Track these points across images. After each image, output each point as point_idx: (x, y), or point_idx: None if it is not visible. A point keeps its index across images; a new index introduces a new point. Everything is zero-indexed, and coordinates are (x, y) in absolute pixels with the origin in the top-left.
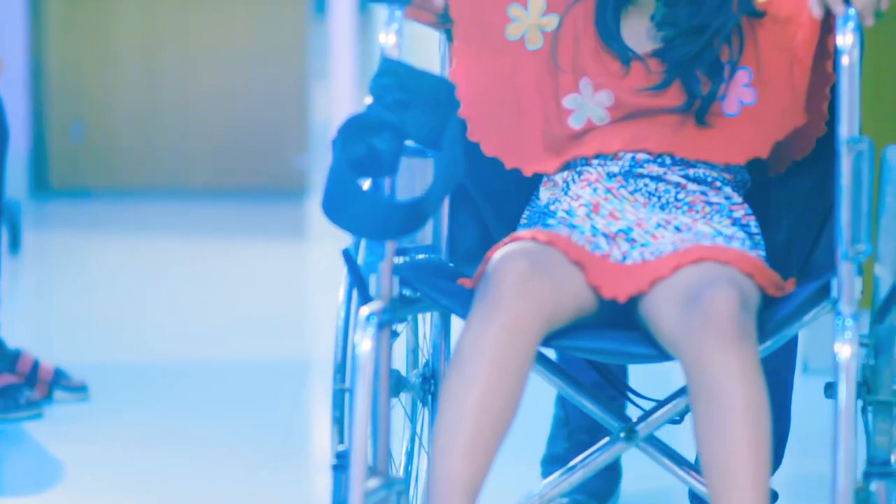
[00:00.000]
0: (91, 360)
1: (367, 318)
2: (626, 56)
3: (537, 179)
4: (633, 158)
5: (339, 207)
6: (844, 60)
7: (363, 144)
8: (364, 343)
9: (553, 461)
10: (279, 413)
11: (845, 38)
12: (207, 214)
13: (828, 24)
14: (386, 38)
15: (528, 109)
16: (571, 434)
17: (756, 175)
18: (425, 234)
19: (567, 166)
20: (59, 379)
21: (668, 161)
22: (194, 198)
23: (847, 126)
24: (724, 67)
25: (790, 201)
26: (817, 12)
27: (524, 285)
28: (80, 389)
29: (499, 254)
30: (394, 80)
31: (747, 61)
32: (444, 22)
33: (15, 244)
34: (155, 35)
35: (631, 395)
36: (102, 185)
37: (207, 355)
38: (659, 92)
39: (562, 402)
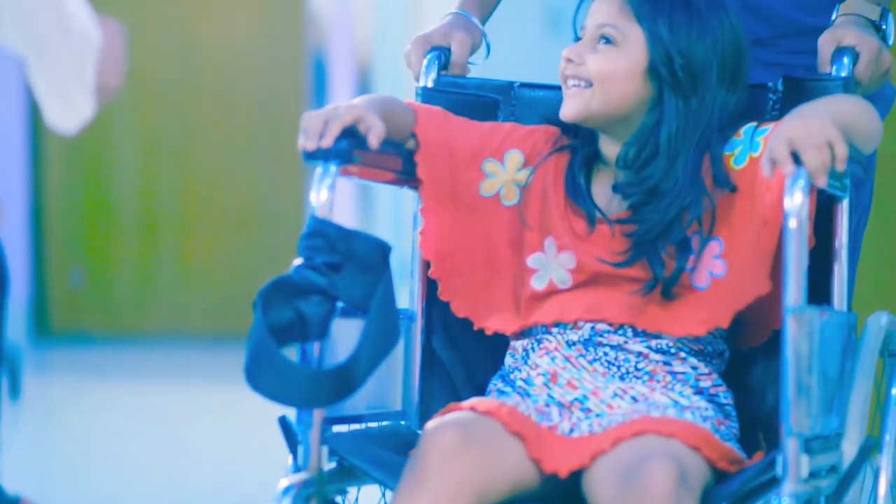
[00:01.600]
0: None
1: (284, 491)
2: (592, 216)
3: (508, 342)
4: (592, 328)
5: (260, 375)
6: (791, 223)
7: (289, 309)
8: None
9: None
10: None
11: (793, 200)
12: (208, 359)
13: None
14: (317, 196)
15: (500, 267)
16: None
17: (743, 344)
18: (394, 400)
19: (527, 333)
20: None
21: (629, 332)
22: (195, 342)
23: (794, 293)
24: (692, 242)
25: (776, 371)
26: (767, 171)
27: (454, 458)
28: None
29: (431, 424)
30: (323, 241)
31: (719, 232)
32: (405, 178)
33: (15, 390)
34: (153, 181)
35: None
36: (103, 330)
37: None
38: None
39: None
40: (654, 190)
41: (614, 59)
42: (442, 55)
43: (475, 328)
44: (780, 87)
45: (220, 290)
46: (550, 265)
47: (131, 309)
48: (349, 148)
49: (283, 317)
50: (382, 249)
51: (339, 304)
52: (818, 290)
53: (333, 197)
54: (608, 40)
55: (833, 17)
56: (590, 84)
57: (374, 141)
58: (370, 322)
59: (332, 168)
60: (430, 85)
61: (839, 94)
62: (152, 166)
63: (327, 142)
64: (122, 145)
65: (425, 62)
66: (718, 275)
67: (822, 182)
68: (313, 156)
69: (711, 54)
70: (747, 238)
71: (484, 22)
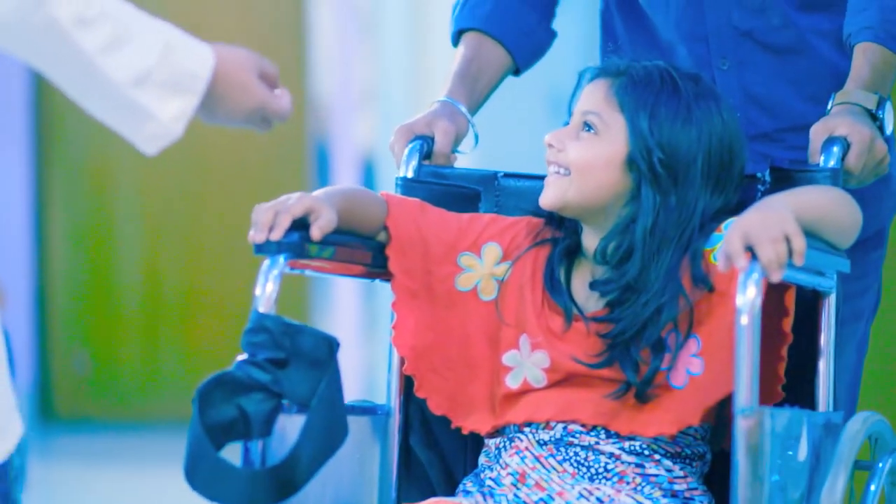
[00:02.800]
0: None
1: None
2: (569, 312)
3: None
4: (564, 428)
5: (197, 474)
6: (743, 320)
7: (231, 406)
8: None
9: None
10: None
11: (746, 295)
12: None
13: (782, 284)
14: (262, 289)
15: (476, 364)
16: None
17: (726, 446)
18: (370, 500)
19: (500, 432)
20: None
21: (601, 433)
22: None
23: (745, 393)
24: (669, 339)
25: None
26: (721, 265)
27: None
28: None
29: None
30: (266, 336)
31: (697, 329)
32: (377, 272)
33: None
34: (158, 265)
35: None
36: (108, 416)
37: None
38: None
39: None
40: (630, 287)
41: (593, 148)
42: (424, 144)
43: (452, 427)
44: (767, 178)
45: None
46: (525, 364)
47: (136, 395)
48: (300, 241)
49: (225, 414)
50: (329, 345)
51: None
52: (803, 390)
53: (279, 290)
54: (590, 128)
55: (829, 105)
56: (568, 172)
57: (315, 233)
58: (311, 420)
59: (281, 261)
60: (409, 175)
61: (813, 185)
62: (157, 250)
63: (276, 234)
64: (127, 229)
65: (406, 151)
66: (696, 373)
67: (776, 277)
68: (262, 248)
69: (696, 150)
70: (723, 335)
71: (476, 109)
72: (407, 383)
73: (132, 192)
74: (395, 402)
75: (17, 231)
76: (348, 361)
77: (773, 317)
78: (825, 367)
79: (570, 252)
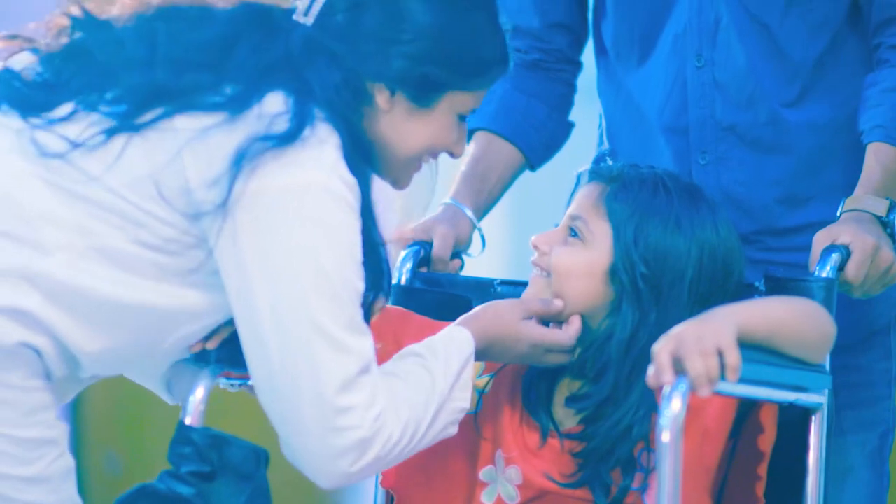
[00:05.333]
0: None
1: None
2: (545, 430)
3: None
4: None
5: None
6: (664, 437)
7: None
8: None
9: None
10: None
11: (669, 411)
12: None
13: (751, 404)
14: (193, 399)
15: (456, 478)
16: None
17: None
18: None
19: None
20: None
21: None
22: None
23: None
24: (642, 458)
25: None
26: (651, 380)
27: None
28: None
29: None
30: (191, 449)
31: None
32: None
33: None
34: None
35: None
36: None
37: None
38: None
39: None
40: (605, 404)
41: (576, 255)
42: (421, 250)
43: None
44: (762, 288)
45: None
46: (499, 479)
47: None
48: (232, 353)
49: None
50: (257, 456)
51: None
52: None
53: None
54: (575, 234)
55: (838, 211)
56: (549, 275)
57: None
58: None
59: (209, 372)
60: (402, 282)
61: (778, 296)
62: None
63: (212, 344)
64: None
65: (401, 257)
66: None
67: (703, 392)
68: (198, 358)
69: (685, 265)
70: (691, 452)
71: (486, 209)
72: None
73: None
74: None
75: None
76: None
77: (750, 434)
78: (814, 489)
79: (553, 369)
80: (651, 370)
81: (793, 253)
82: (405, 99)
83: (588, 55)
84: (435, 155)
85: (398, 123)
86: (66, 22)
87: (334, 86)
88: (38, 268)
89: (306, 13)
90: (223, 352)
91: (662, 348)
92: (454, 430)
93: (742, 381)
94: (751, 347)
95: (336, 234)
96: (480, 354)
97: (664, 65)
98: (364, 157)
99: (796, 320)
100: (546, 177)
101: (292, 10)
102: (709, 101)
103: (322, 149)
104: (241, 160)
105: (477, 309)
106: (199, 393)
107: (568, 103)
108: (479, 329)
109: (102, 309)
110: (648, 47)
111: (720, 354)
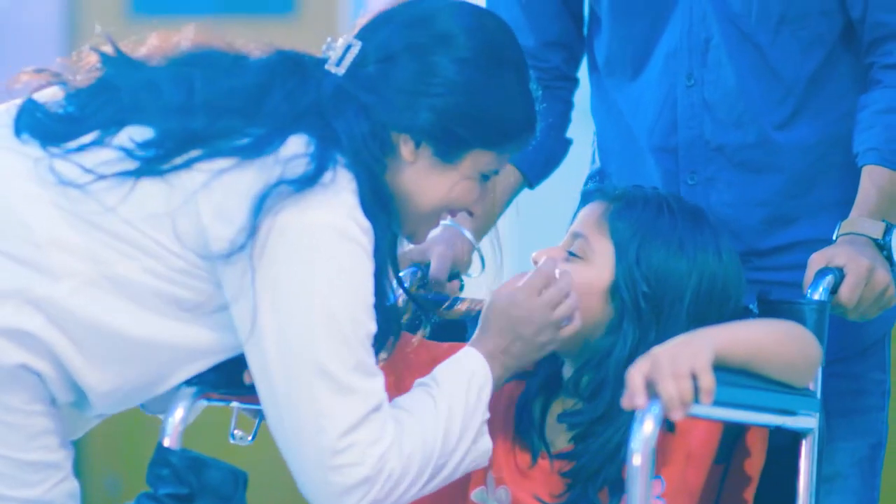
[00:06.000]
0: None
1: None
2: (535, 451)
3: None
4: None
5: None
6: (635, 460)
7: None
8: None
9: None
10: None
11: (641, 434)
12: None
13: (740, 428)
14: (172, 420)
15: (447, 500)
16: None
17: None
18: None
19: None
20: None
21: None
22: None
23: None
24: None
25: None
26: (625, 402)
27: None
28: None
29: None
30: (169, 471)
31: (661, 470)
32: None
33: None
34: None
35: None
36: None
37: None
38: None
39: None
40: (597, 422)
41: (577, 272)
42: (418, 271)
43: None
44: (756, 311)
45: None
46: (489, 501)
47: None
48: (216, 377)
49: None
50: (236, 478)
51: None
52: None
53: (185, 423)
54: (573, 253)
55: (834, 235)
56: None
57: (248, 377)
58: None
59: (189, 391)
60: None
61: (762, 319)
62: None
63: None
64: None
65: None
66: None
67: (676, 416)
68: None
69: (685, 286)
70: (677, 475)
71: (487, 228)
72: None
73: None
74: None
75: None
76: None
77: (739, 458)
78: None
79: (549, 386)
80: (625, 392)
81: (780, 272)
82: (430, 153)
83: (584, 71)
84: (453, 212)
85: (421, 176)
86: (95, 58)
87: (361, 135)
88: (42, 292)
89: (338, 63)
90: (207, 375)
91: (636, 371)
92: (483, 461)
93: (718, 404)
94: (729, 370)
95: (348, 276)
96: (500, 366)
97: (655, 84)
98: (383, 207)
99: (778, 344)
100: (546, 195)
101: (325, 60)
102: (698, 122)
103: (339, 193)
104: (262, 202)
105: (486, 315)
106: (179, 413)
107: (565, 120)
108: (492, 346)
109: (107, 340)
110: (640, 66)
111: (695, 377)
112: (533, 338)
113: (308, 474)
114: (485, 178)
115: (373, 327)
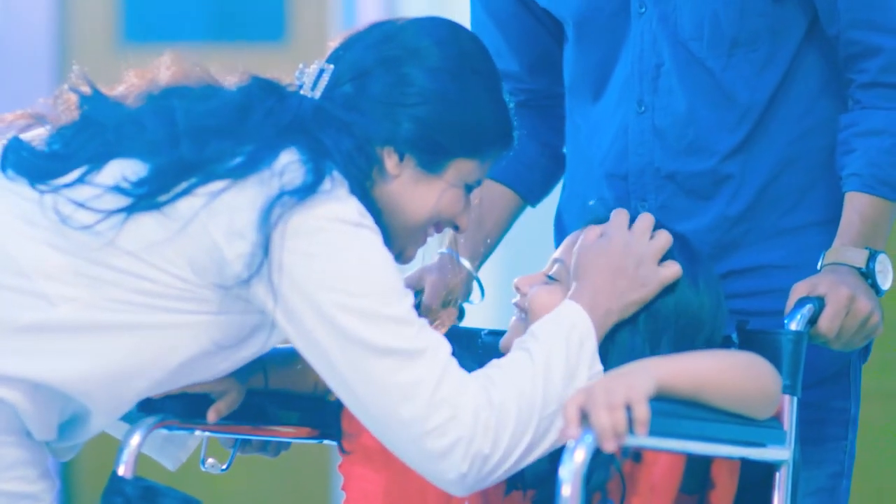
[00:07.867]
0: None
1: None
2: (511, 482)
3: None
4: None
5: None
6: (565, 490)
7: None
8: None
9: None
10: None
11: (571, 464)
12: None
13: (707, 459)
14: (127, 447)
15: None
16: None
17: None
18: None
19: None
20: None
21: None
22: None
23: None
24: None
25: None
26: (560, 436)
27: None
28: None
29: None
30: (122, 500)
31: (631, 500)
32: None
33: None
34: None
35: None
36: None
37: None
38: None
39: None
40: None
41: (553, 295)
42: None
43: None
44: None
45: None
46: None
47: None
48: (178, 405)
49: None
50: None
51: None
52: None
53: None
54: (551, 278)
55: (819, 265)
56: (527, 316)
57: (211, 415)
58: None
59: (149, 421)
60: None
61: (714, 350)
62: None
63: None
64: None
65: None
66: None
67: (608, 447)
68: (141, 407)
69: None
70: None
71: (487, 254)
72: None
73: None
74: None
75: None
76: None
77: (706, 490)
78: None
79: None
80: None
81: (732, 300)
82: (413, 164)
83: None
84: (439, 227)
85: (407, 189)
86: (74, 98)
87: (347, 151)
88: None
89: (313, 88)
90: (168, 402)
91: (571, 402)
92: None
93: (657, 434)
94: (674, 402)
95: (371, 255)
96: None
97: (612, 110)
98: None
99: (730, 375)
100: (541, 222)
101: (299, 86)
102: (648, 149)
103: (341, 195)
104: (268, 214)
105: (578, 262)
106: (134, 441)
107: (561, 136)
108: (592, 291)
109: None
110: (599, 91)
111: (629, 408)
112: (635, 271)
113: (411, 453)
114: (468, 188)
115: (410, 292)
